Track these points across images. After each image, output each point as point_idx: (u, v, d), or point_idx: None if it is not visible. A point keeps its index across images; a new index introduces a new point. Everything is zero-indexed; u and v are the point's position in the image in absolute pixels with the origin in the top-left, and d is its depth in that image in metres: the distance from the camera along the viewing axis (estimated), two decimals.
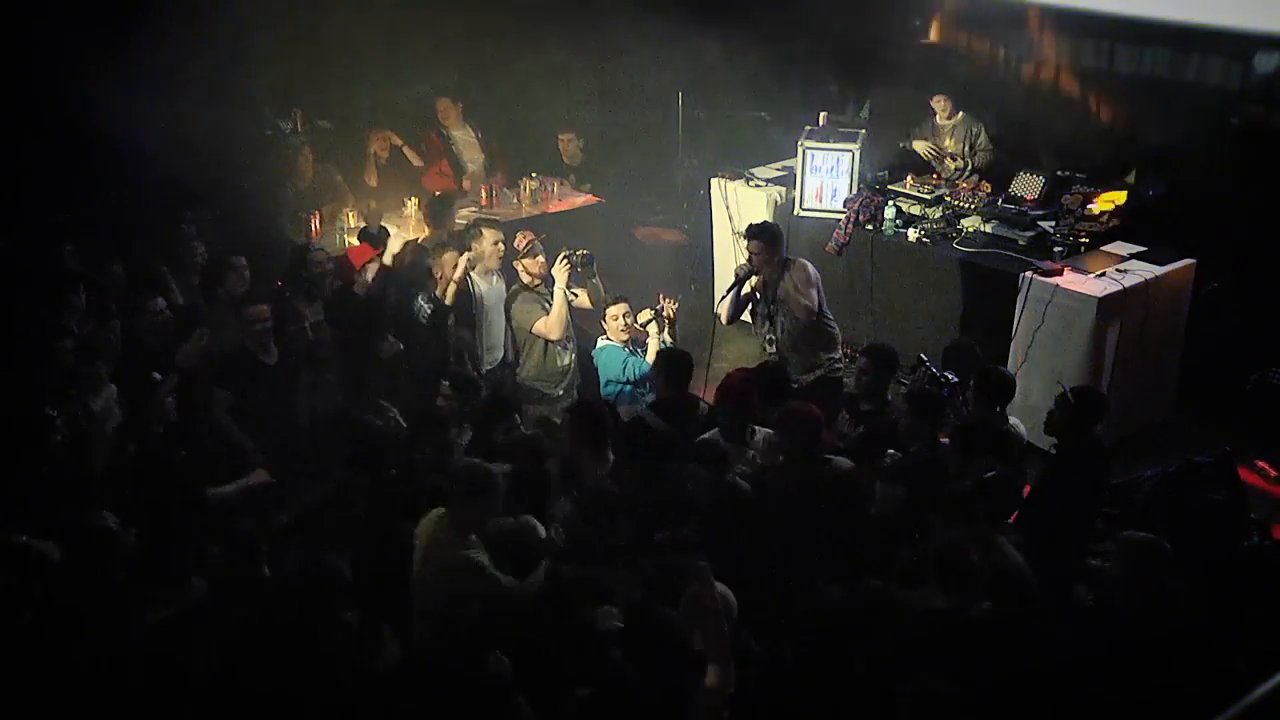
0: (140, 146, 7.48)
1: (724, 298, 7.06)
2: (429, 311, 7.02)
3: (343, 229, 8.47)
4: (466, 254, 7.05)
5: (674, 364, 6.19)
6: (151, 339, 6.35)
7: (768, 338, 7.01)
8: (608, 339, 6.94)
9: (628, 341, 6.87)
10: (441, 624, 4.59)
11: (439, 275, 7.12)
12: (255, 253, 7.39)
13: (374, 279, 7.02)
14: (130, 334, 6.37)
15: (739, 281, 6.88)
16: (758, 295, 6.96)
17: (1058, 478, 5.57)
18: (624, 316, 6.84)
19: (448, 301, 7.05)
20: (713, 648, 3.98)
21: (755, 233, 6.86)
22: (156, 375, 5.92)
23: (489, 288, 7.27)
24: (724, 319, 7.16)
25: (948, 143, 9.09)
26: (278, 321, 6.52)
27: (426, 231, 8.15)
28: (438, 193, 8.87)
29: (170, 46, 7.74)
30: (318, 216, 8.50)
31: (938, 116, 9.14)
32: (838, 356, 7.02)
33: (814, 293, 6.78)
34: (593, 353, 7.04)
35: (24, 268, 6.72)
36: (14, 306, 6.34)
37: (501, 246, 7.18)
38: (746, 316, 7.22)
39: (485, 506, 4.66)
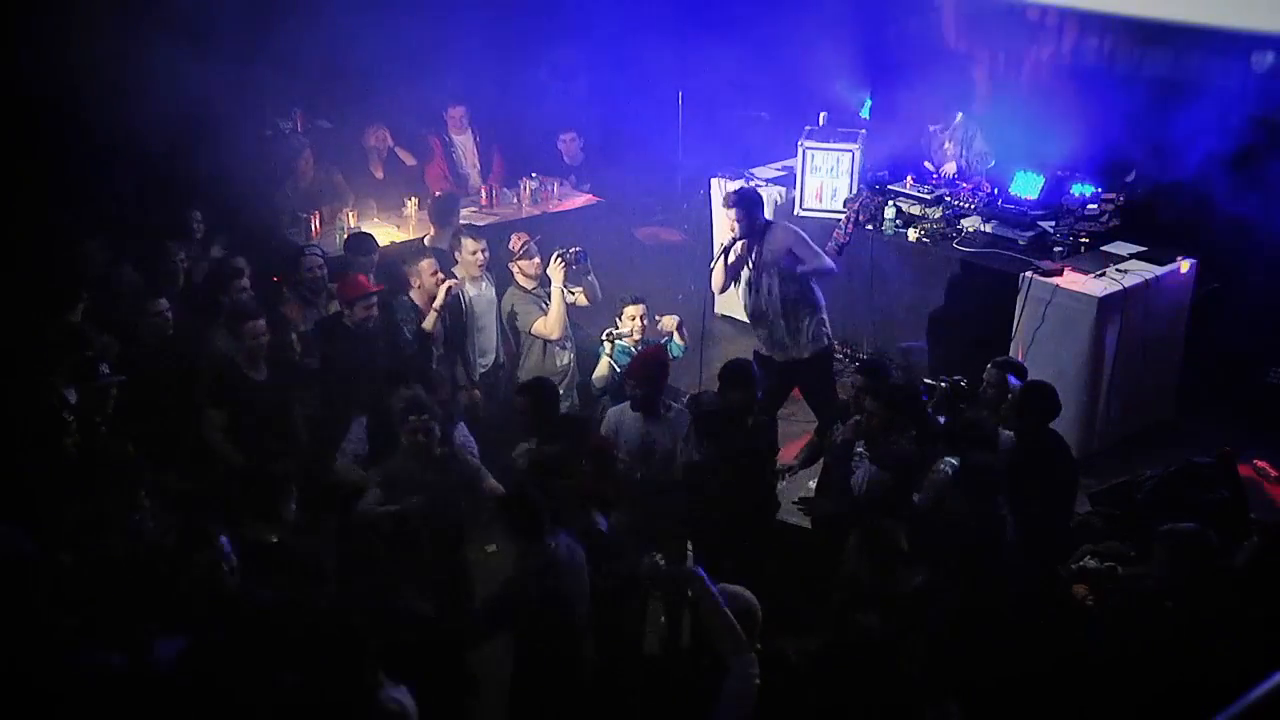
0: (140, 145, 7.48)
1: (713, 266, 7.17)
2: (412, 329, 6.94)
3: (342, 229, 8.45)
4: (449, 282, 6.98)
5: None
6: (151, 339, 6.34)
7: (748, 301, 7.12)
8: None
9: (639, 342, 6.81)
10: None
11: (416, 283, 7.07)
12: (256, 254, 7.40)
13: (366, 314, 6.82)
14: (131, 334, 6.37)
15: (726, 249, 7.05)
16: (746, 261, 7.07)
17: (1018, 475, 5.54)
18: (640, 318, 6.79)
19: (427, 327, 6.94)
20: (725, 643, 4.01)
21: (734, 201, 7.04)
22: (105, 368, 5.76)
23: (478, 293, 7.28)
24: (716, 288, 7.32)
25: (946, 145, 9.09)
26: (272, 335, 6.41)
27: (432, 231, 8.13)
28: (438, 193, 8.87)
29: (171, 43, 7.73)
30: (318, 216, 8.49)
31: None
32: (823, 319, 7.06)
33: (810, 249, 6.99)
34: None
35: (30, 265, 6.72)
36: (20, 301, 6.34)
37: (480, 255, 7.20)
38: (743, 313, 7.25)
39: None
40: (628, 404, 6.13)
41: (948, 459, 5.40)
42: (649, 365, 6.20)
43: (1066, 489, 5.85)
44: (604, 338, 6.80)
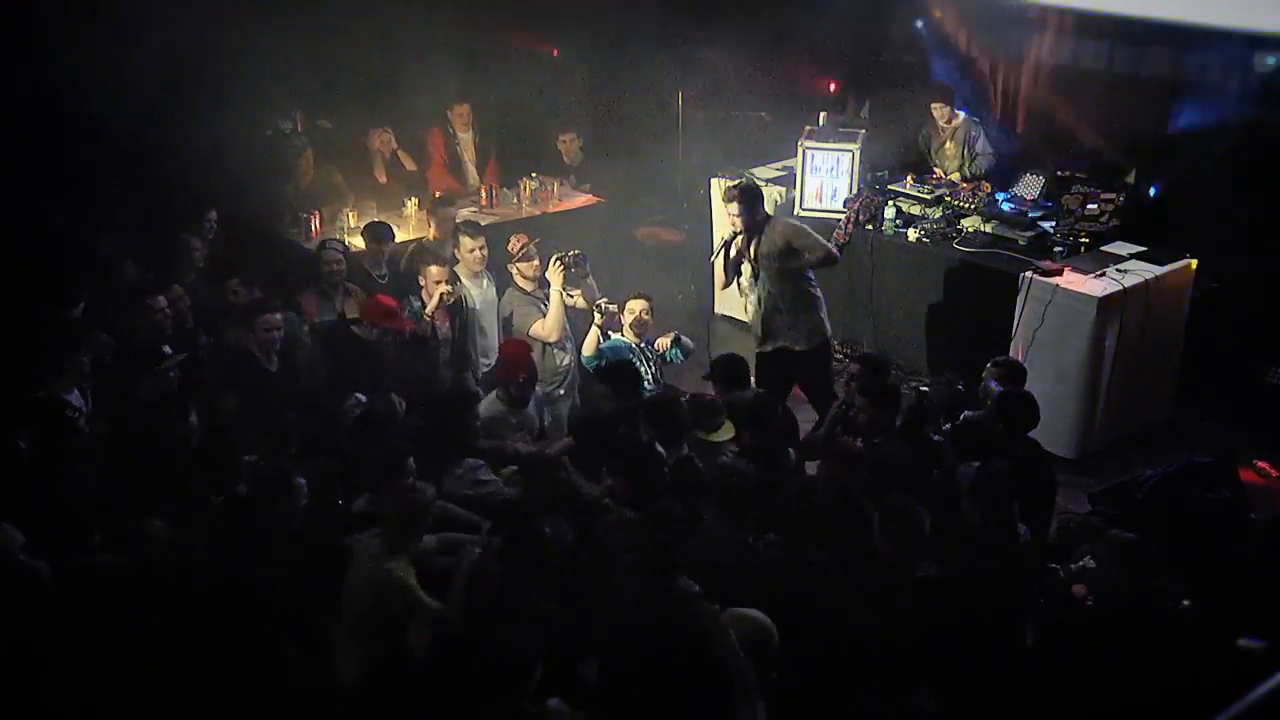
0: (142, 146, 7.48)
1: (712, 260, 7.18)
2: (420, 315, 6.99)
3: (342, 229, 8.47)
4: (443, 288, 7.01)
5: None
6: (148, 337, 6.34)
7: (748, 297, 7.15)
8: (619, 334, 6.91)
9: (639, 337, 6.85)
10: (361, 635, 4.58)
11: (421, 284, 7.11)
12: (260, 254, 7.40)
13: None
14: (127, 330, 6.36)
15: (725, 244, 7.04)
16: (745, 256, 7.06)
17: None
18: (643, 313, 6.83)
19: (430, 322, 7.00)
20: (737, 688, 3.93)
21: (734, 195, 6.99)
22: (168, 349, 5.95)
23: (479, 292, 7.29)
24: (719, 285, 7.39)
25: (948, 146, 9.09)
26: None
27: (432, 231, 8.12)
28: (438, 194, 8.87)
29: (171, 43, 7.72)
30: (318, 216, 8.49)
31: (938, 120, 9.13)
32: (823, 316, 7.06)
33: (810, 239, 6.93)
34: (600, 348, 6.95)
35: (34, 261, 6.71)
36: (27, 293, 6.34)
37: (479, 252, 7.24)
38: (743, 313, 7.28)
39: (413, 531, 4.71)
40: (493, 397, 6.39)
41: (965, 465, 5.37)
42: (522, 361, 6.46)
43: (1045, 495, 5.82)
44: (594, 309, 6.85)
